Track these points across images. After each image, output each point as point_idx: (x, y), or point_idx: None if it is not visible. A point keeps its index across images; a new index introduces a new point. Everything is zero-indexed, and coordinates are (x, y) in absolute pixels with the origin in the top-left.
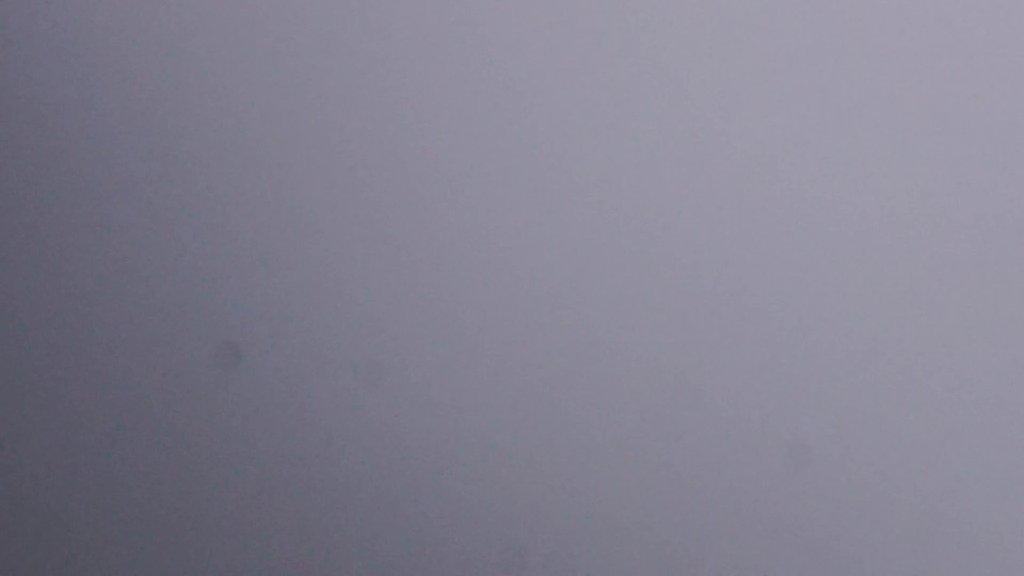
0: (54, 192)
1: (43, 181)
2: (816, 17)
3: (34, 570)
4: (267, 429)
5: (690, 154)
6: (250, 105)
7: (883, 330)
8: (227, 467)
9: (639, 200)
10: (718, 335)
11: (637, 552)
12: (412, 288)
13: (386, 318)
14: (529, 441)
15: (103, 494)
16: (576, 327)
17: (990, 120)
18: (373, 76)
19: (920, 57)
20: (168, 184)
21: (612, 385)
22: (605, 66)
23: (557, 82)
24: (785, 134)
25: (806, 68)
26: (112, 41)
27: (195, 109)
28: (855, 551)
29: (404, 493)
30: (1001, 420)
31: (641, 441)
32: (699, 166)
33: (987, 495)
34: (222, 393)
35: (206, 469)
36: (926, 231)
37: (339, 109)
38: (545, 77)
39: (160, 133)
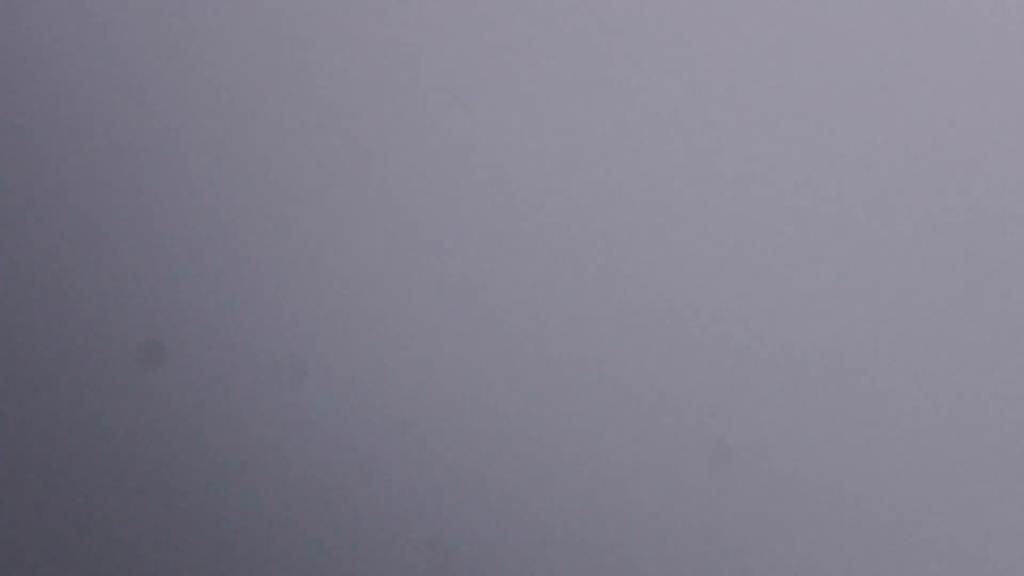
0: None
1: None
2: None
3: None
4: (190, 429)
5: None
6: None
7: (837, 332)
8: (149, 468)
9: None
10: (664, 335)
11: (563, 550)
12: (337, 285)
13: (308, 317)
14: (453, 440)
15: (22, 497)
16: (513, 325)
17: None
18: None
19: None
20: (95, 180)
21: (545, 387)
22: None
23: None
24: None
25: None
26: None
27: (125, 104)
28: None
29: (324, 493)
30: (942, 416)
31: (571, 439)
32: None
33: (930, 493)
34: (145, 392)
35: (128, 471)
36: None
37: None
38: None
39: (86, 129)
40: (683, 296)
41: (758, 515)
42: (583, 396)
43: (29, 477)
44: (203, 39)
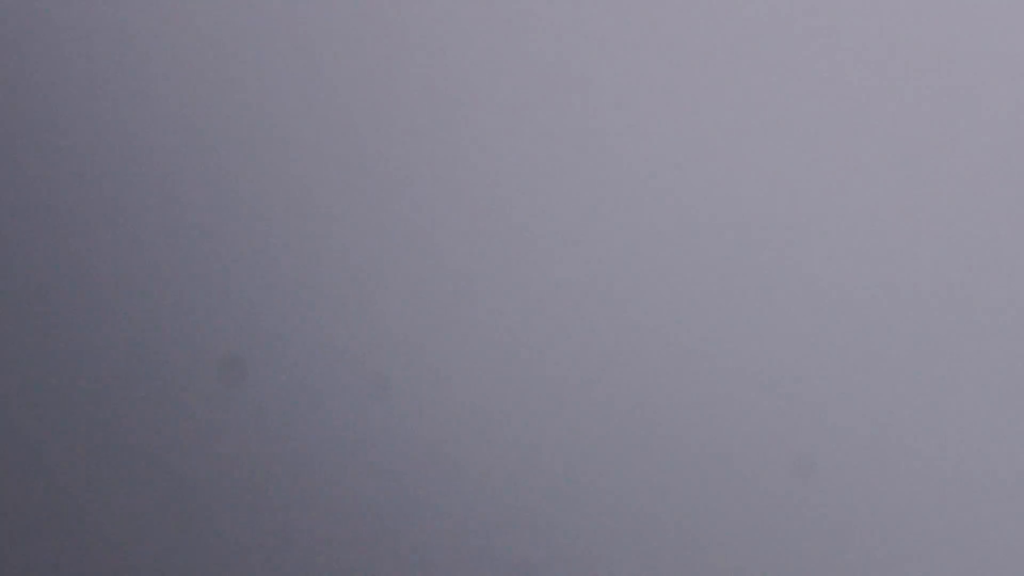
0: (57, 201)
1: (45, 189)
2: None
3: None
4: (273, 443)
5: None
6: (256, 118)
7: (887, 342)
8: (233, 482)
9: (640, 198)
10: (726, 346)
11: (644, 564)
12: (420, 300)
13: (392, 330)
14: (536, 451)
15: (106, 508)
16: (582, 333)
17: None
18: (371, 84)
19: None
20: (176, 199)
21: (620, 398)
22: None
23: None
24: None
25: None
26: (127, 54)
27: (198, 119)
28: (862, 562)
29: (411, 506)
30: (1005, 429)
31: (650, 453)
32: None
33: (992, 506)
34: (227, 408)
35: (212, 484)
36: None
37: (342, 119)
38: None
39: (168, 148)
40: (763, 310)
41: (838, 530)
42: (662, 412)
43: (110, 492)
44: (277, 65)
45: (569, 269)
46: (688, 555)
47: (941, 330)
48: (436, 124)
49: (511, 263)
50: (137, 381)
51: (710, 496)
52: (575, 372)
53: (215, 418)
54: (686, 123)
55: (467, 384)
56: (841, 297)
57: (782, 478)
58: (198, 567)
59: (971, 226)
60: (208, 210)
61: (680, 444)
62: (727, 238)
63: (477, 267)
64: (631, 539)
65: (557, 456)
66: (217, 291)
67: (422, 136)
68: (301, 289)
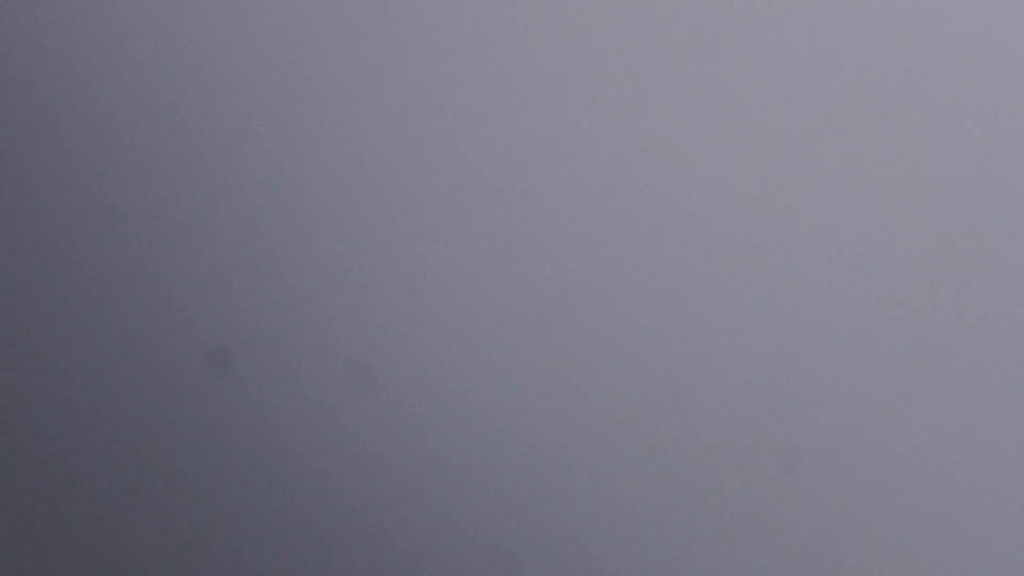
0: (46, 194)
1: (36, 183)
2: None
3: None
4: (258, 433)
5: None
6: (238, 106)
7: (876, 333)
8: (218, 472)
9: (631, 206)
10: (710, 339)
11: (629, 555)
12: (405, 288)
13: (377, 319)
14: (523, 442)
15: (92, 499)
16: (569, 327)
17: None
18: (368, 82)
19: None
20: (161, 188)
21: (608, 388)
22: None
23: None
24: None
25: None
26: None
27: (184, 111)
28: (849, 558)
29: (396, 496)
30: (996, 421)
31: (638, 445)
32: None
33: (984, 499)
34: (212, 398)
35: (195, 473)
36: (917, 237)
37: (329, 107)
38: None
39: (151, 134)
40: (751, 303)
41: (825, 525)
42: (647, 405)
43: (96, 484)
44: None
45: (554, 259)
46: (671, 549)
47: (924, 322)
48: (420, 112)
49: (496, 251)
50: (121, 369)
51: (693, 490)
52: (560, 363)
53: (199, 407)
54: (667, 120)
55: (453, 373)
56: (824, 291)
57: (767, 474)
58: (179, 555)
59: (948, 217)
60: (192, 198)
61: (663, 437)
62: (709, 233)
63: (463, 255)
64: (615, 532)
65: (543, 448)
66: (202, 280)
67: (405, 125)
68: (286, 278)
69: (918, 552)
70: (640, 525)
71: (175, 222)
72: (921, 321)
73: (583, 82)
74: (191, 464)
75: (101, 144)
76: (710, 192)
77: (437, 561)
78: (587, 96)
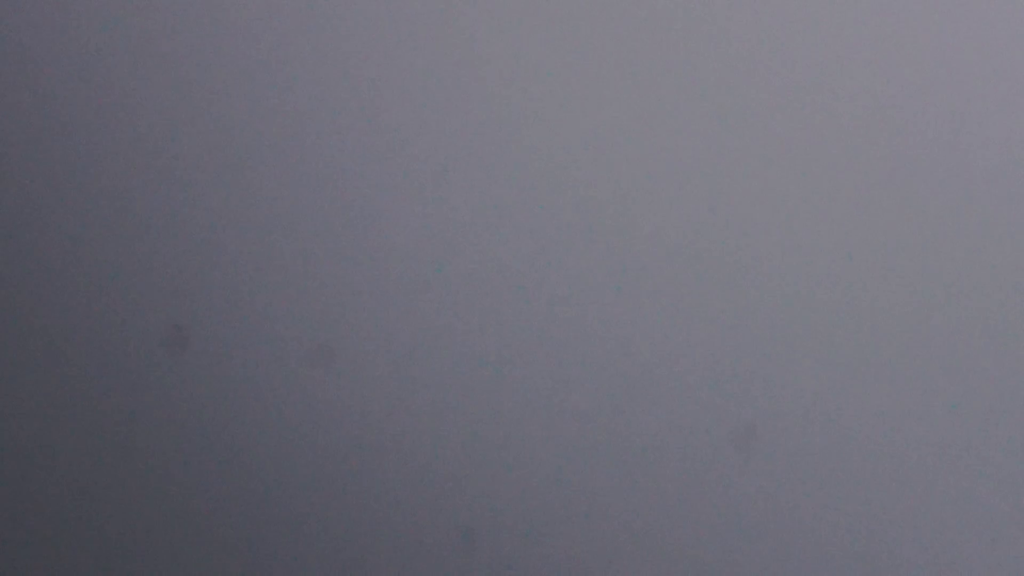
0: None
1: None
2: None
3: None
4: (216, 412)
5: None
6: (199, 88)
7: (841, 311)
8: (175, 451)
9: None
10: (675, 322)
11: (586, 535)
12: (364, 271)
13: (334, 301)
14: (480, 422)
15: (48, 482)
16: (527, 307)
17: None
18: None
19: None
20: (118, 166)
21: (564, 370)
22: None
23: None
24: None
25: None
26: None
27: (154, 98)
28: (810, 537)
29: (354, 475)
30: (953, 401)
31: (595, 421)
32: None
33: (941, 477)
34: (170, 376)
35: (156, 451)
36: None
37: (290, 88)
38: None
39: (118, 119)
40: (705, 275)
41: (782, 499)
42: (605, 381)
43: (50, 462)
44: (231, 24)
45: (510, 238)
46: (628, 524)
47: (879, 295)
48: (381, 96)
49: (458, 231)
50: (81, 348)
51: (651, 465)
52: (520, 341)
53: (158, 386)
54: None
55: (411, 354)
56: (778, 267)
57: (721, 448)
58: (144, 534)
59: (903, 191)
60: (155, 176)
61: (620, 413)
62: (667, 210)
63: (425, 236)
64: (570, 508)
65: (502, 427)
66: (162, 258)
67: (365, 107)
68: (246, 257)
69: (875, 523)
70: (596, 500)
71: (138, 201)
72: (876, 294)
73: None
74: (147, 439)
75: (68, 126)
76: (668, 172)
77: (395, 536)
78: (558, 91)
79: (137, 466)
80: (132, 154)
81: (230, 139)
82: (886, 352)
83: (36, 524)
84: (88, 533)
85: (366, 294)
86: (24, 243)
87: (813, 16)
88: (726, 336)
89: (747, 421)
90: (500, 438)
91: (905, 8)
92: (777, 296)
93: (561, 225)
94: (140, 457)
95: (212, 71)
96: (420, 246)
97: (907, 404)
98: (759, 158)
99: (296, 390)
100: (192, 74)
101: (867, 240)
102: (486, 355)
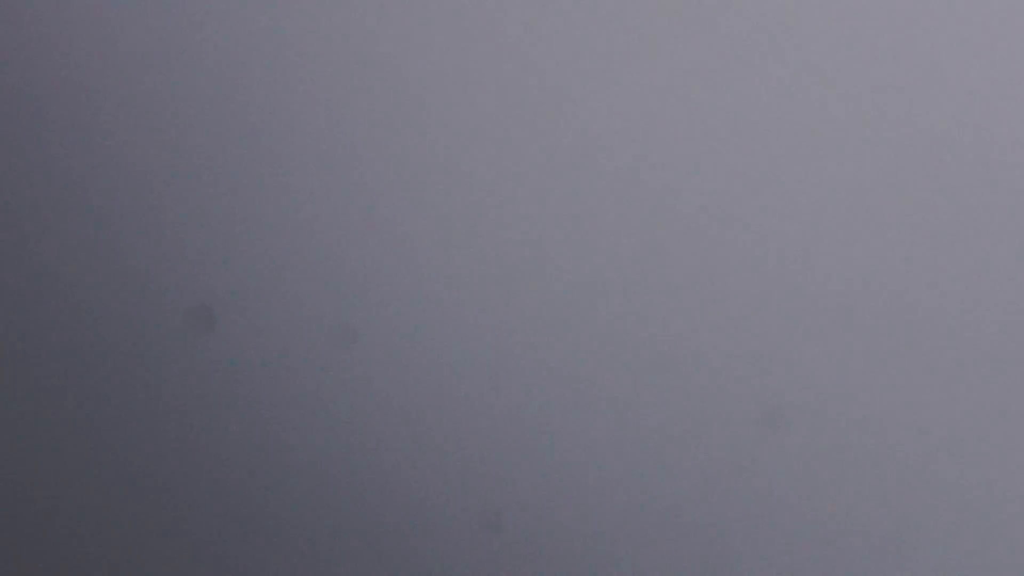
0: (25, 167)
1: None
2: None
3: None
4: (240, 392)
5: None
6: (218, 75)
7: (863, 292)
8: (200, 432)
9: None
10: (700, 300)
11: (612, 515)
12: (388, 252)
13: (360, 282)
14: (505, 404)
15: (73, 463)
16: (551, 295)
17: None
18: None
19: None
20: (141, 147)
21: (589, 350)
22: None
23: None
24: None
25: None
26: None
27: (161, 85)
28: (834, 520)
29: (378, 456)
30: (982, 386)
31: (620, 404)
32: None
33: (968, 461)
34: (195, 357)
35: (179, 434)
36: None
37: (310, 76)
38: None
39: (131, 103)
40: (734, 257)
41: (808, 483)
42: (635, 363)
43: (78, 448)
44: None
45: (534, 225)
46: (655, 505)
47: (903, 284)
48: (404, 88)
49: (480, 217)
50: (103, 329)
51: (677, 446)
52: (543, 325)
53: (181, 367)
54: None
55: (435, 336)
56: (801, 252)
57: (751, 429)
58: (157, 524)
59: (922, 182)
60: (176, 158)
61: (647, 394)
62: (694, 200)
63: (451, 215)
64: (598, 489)
65: (526, 410)
66: (186, 240)
67: (387, 98)
68: (270, 238)
69: (899, 506)
70: (624, 482)
71: (157, 180)
72: (900, 283)
73: (560, 78)
74: (168, 423)
75: (81, 115)
76: (687, 165)
77: (421, 517)
78: (562, 89)
79: (162, 447)
80: (162, 136)
81: (260, 123)
82: (917, 336)
83: (65, 505)
84: (117, 515)
85: (389, 275)
86: (52, 225)
87: (813, 16)
88: (755, 319)
89: (775, 404)
90: (526, 419)
91: (905, 8)
92: (804, 277)
93: (593, 206)
94: (165, 438)
95: (241, 54)
96: (446, 226)
97: (936, 388)
98: (789, 137)
99: (320, 371)
100: (222, 57)
101: (899, 219)
102: (511, 337)
